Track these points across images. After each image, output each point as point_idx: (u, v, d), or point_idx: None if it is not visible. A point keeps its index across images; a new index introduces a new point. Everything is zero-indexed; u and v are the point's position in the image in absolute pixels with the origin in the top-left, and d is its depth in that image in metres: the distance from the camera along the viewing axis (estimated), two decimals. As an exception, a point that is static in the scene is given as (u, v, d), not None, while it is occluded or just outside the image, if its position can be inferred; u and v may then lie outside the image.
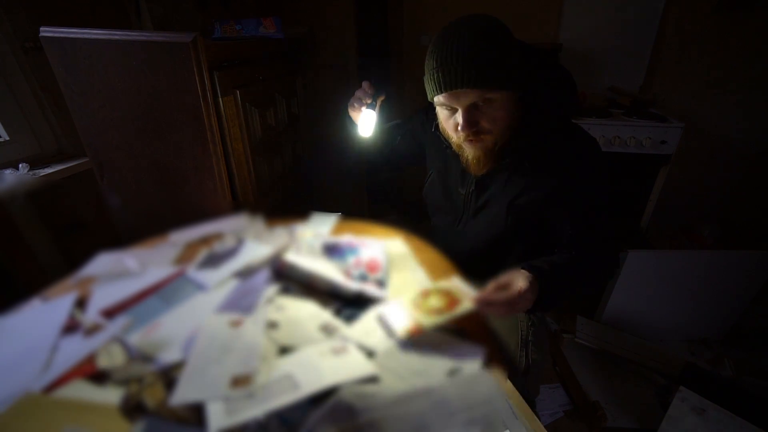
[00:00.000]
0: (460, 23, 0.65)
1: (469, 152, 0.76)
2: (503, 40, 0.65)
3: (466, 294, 0.60)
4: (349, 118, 0.97)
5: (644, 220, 1.68)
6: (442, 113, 0.74)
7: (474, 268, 0.71)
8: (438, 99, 0.70)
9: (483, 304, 0.58)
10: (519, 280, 0.61)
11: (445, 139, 0.80)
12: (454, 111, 0.70)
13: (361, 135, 0.93)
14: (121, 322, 0.57)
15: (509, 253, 0.86)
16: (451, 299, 0.60)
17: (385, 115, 1.01)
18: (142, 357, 0.51)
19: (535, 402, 0.97)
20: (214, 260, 0.70)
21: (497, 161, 0.76)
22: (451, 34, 0.65)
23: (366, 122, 0.90)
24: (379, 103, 0.89)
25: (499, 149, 0.74)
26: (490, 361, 0.54)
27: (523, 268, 0.64)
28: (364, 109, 0.88)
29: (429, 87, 0.70)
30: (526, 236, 0.83)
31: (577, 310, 1.70)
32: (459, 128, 0.69)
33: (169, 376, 0.49)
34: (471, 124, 0.68)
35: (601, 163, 0.76)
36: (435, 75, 0.66)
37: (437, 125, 0.80)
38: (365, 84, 0.88)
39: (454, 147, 0.78)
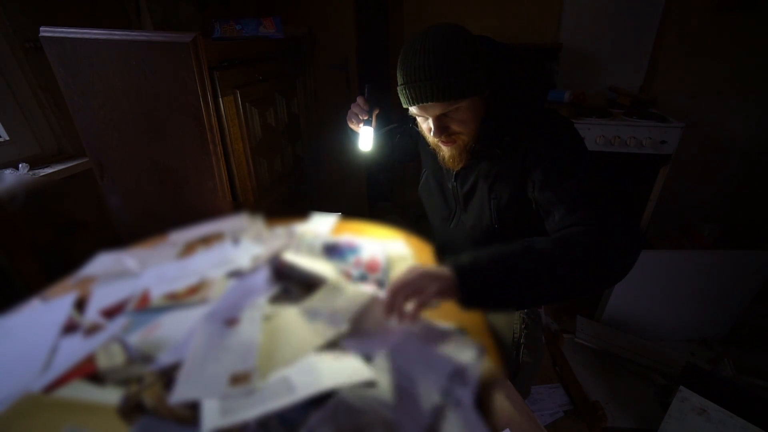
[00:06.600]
0: (422, 37, 0.66)
1: (445, 152, 0.80)
2: (464, 48, 0.66)
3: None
4: (349, 127, 1.02)
5: (644, 220, 1.68)
6: (417, 118, 0.78)
7: None
8: (411, 109, 0.74)
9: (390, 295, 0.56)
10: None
11: (420, 132, 0.84)
12: (427, 117, 0.74)
13: (362, 149, 0.99)
14: (121, 322, 0.57)
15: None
16: None
17: (384, 118, 1.06)
18: (142, 357, 0.51)
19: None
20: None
21: (472, 154, 0.80)
22: (414, 49, 0.67)
23: (365, 138, 0.95)
24: (374, 116, 0.94)
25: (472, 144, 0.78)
26: (487, 356, 0.54)
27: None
28: (361, 126, 0.93)
29: (401, 99, 0.74)
30: (517, 227, 0.83)
31: (577, 310, 1.70)
32: (431, 134, 0.75)
33: (168, 377, 0.49)
34: (441, 130, 0.74)
35: (565, 128, 0.75)
36: (404, 90, 0.70)
37: (414, 119, 0.84)
38: (360, 99, 0.93)
39: (432, 146, 0.83)
